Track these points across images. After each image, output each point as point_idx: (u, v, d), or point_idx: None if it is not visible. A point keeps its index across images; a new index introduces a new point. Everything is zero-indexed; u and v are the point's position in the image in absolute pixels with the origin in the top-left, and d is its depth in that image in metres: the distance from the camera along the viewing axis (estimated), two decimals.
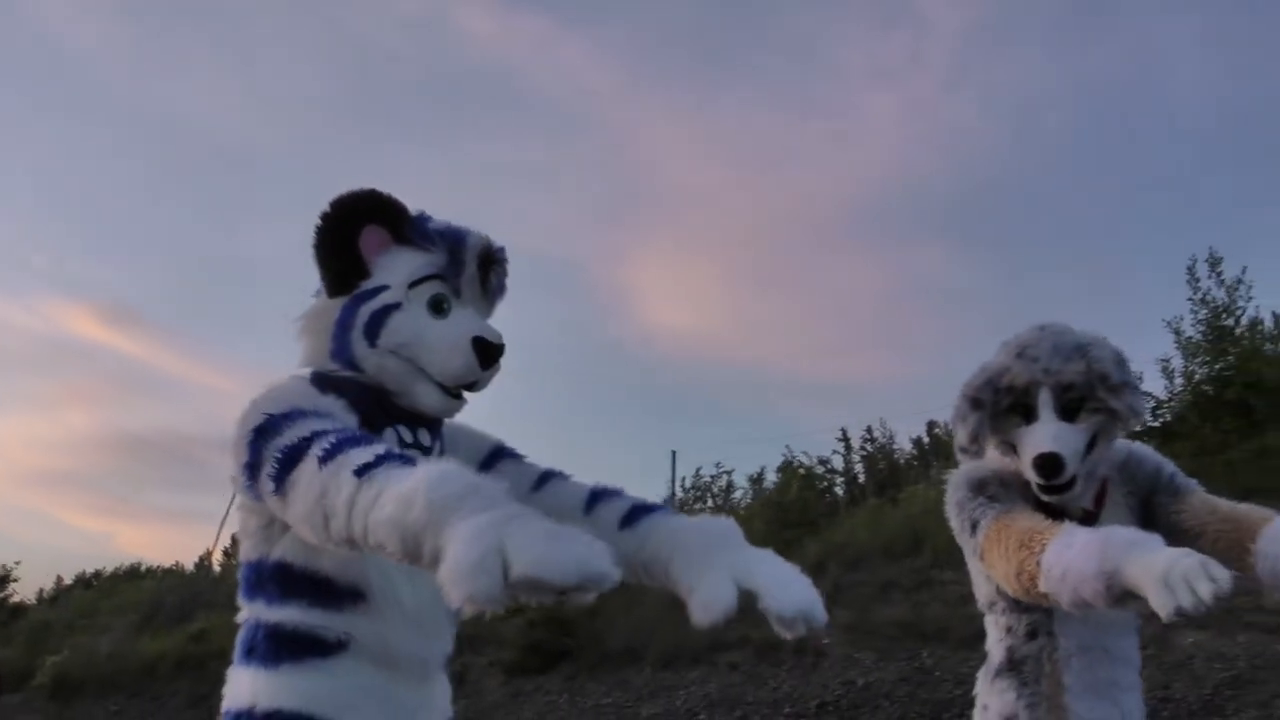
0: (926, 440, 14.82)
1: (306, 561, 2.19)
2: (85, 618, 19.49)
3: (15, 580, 24.86)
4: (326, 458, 1.81)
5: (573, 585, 1.41)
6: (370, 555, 1.93)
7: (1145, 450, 3.05)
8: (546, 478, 2.49)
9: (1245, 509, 2.80)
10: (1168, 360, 12.45)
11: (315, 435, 1.91)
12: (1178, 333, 12.42)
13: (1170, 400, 12.17)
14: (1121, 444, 3.01)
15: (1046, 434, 2.72)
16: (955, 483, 3.00)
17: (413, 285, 2.29)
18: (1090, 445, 2.76)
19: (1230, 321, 12.16)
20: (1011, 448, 2.85)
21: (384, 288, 2.28)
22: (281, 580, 2.22)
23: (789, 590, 2.00)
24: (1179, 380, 12.23)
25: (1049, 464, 2.69)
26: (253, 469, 1.98)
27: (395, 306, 2.27)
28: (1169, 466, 2.98)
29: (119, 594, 23.58)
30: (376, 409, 2.23)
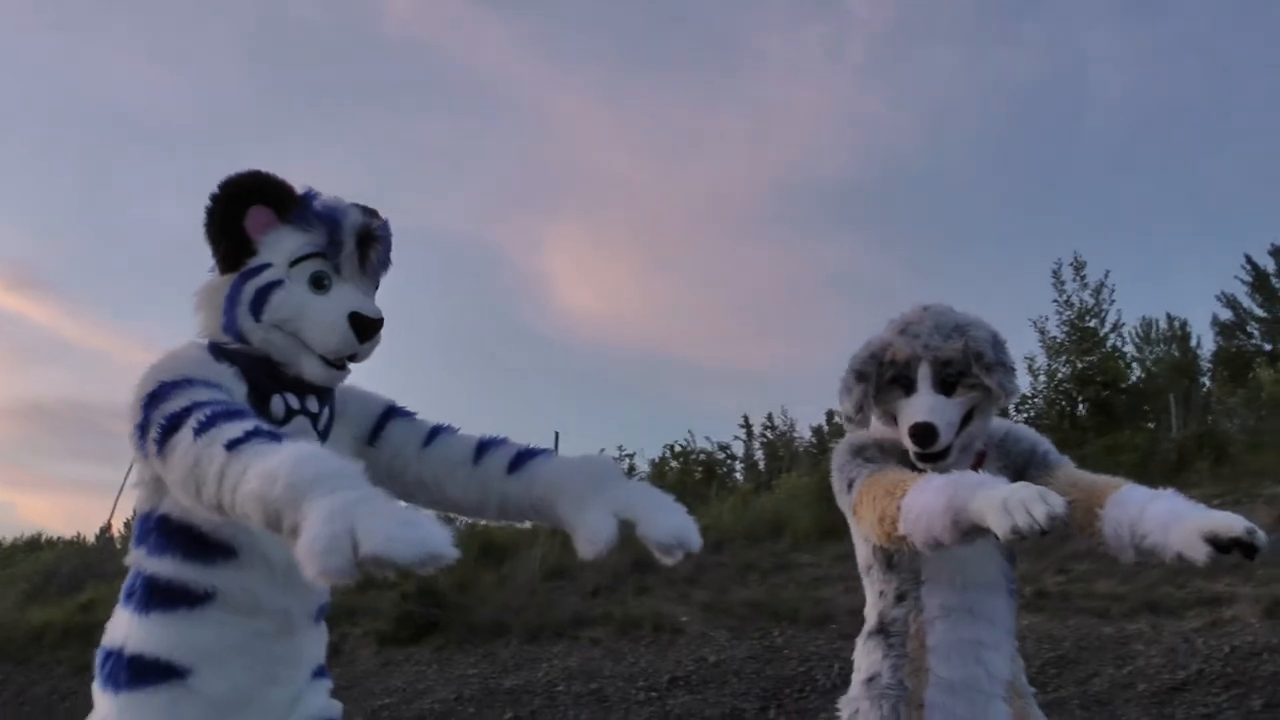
0: (826, 428, 15.07)
1: (184, 516, 2.26)
2: None
3: None
4: (201, 430, 1.90)
5: (415, 564, 1.50)
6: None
7: (1023, 429, 3.16)
8: (436, 432, 2.59)
9: (1102, 479, 2.89)
10: (1033, 359, 12.83)
11: (195, 406, 1.99)
12: (1042, 332, 12.79)
13: (1034, 396, 12.53)
14: (1001, 423, 3.15)
15: (923, 405, 2.83)
16: (838, 449, 3.10)
17: (294, 263, 2.36)
18: (966, 419, 2.87)
19: (1094, 323, 12.55)
20: (893, 418, 2.94)
21: (268, 265, 2.35)
22: (162, 533, 2.30)
23: (664, 517, 2.17)
24: (1042, 378, 12.59)
25: (923, 433, 2.79)
26: (143, 430, 2.08)
27: (278, 284, 2.34)
28: (1044, 445, 3.08)
29: (15, 564, 23.11)
30: (266, 377, 2.31)
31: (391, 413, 2.65)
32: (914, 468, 2.91)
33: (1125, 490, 2.73)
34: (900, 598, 2.97)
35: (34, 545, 27.98)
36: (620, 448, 16.93)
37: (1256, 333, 21.82)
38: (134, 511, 2.43)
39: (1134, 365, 12.34)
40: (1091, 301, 12.78)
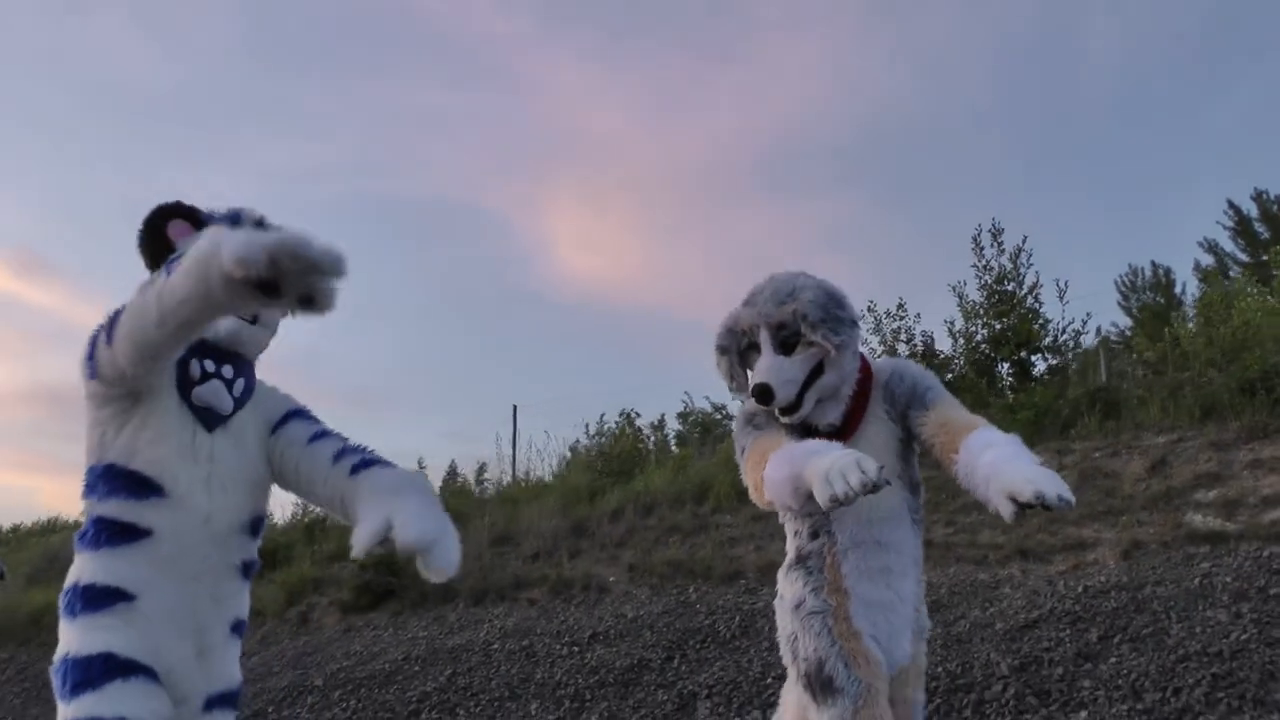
0: None
1: (127, 462, 2.67)
2: None
3: None
4: (139, 293, 2.38)
5: (304, 251, 1.85)
6: (169, 452, 2.64)
7: (908, 367, 3.28)
8: (319, 435, 2.95)
9: (964, 422, 3.02)
10: (952, 321, 13.15)
11: (124, 308, 2.46)
12: (961, 296, 13.09)
13: (954, 358, 12.85)
14: (889, 362, 3.31)
15: (761, 368, 3.04)
16: (736, 417, 3.34)
17: None
18: (818, 372, 3.05)
19: (1012, 286, 12.88)
20: None
21: (184, 254, 2.73)
22: (108, 479, 2.69)
23: (413, 528, 2.44)
24: (960, 341, 12.90)
25: (759, 392, 2.99)
26: (91, 352, 2.57)
27: None
28: (925, 383, 3.20)
29: (28, 548, 23.48)
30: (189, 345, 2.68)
31: (297, 413, 3.03)
32: (795, 430, 3.14)
33: (973, 436, 2.89)
34: (814, 534, 3.21)
35: (48, 529, 28.35)
36: (623, 411, 16.96)
37: (1239, 278, 21.94)
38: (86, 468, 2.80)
39: (1048, 326, 12.53)
40: (1010, 266, 13.07)
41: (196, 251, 2.07)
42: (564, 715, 7.23)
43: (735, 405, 15.81)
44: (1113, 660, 6.09)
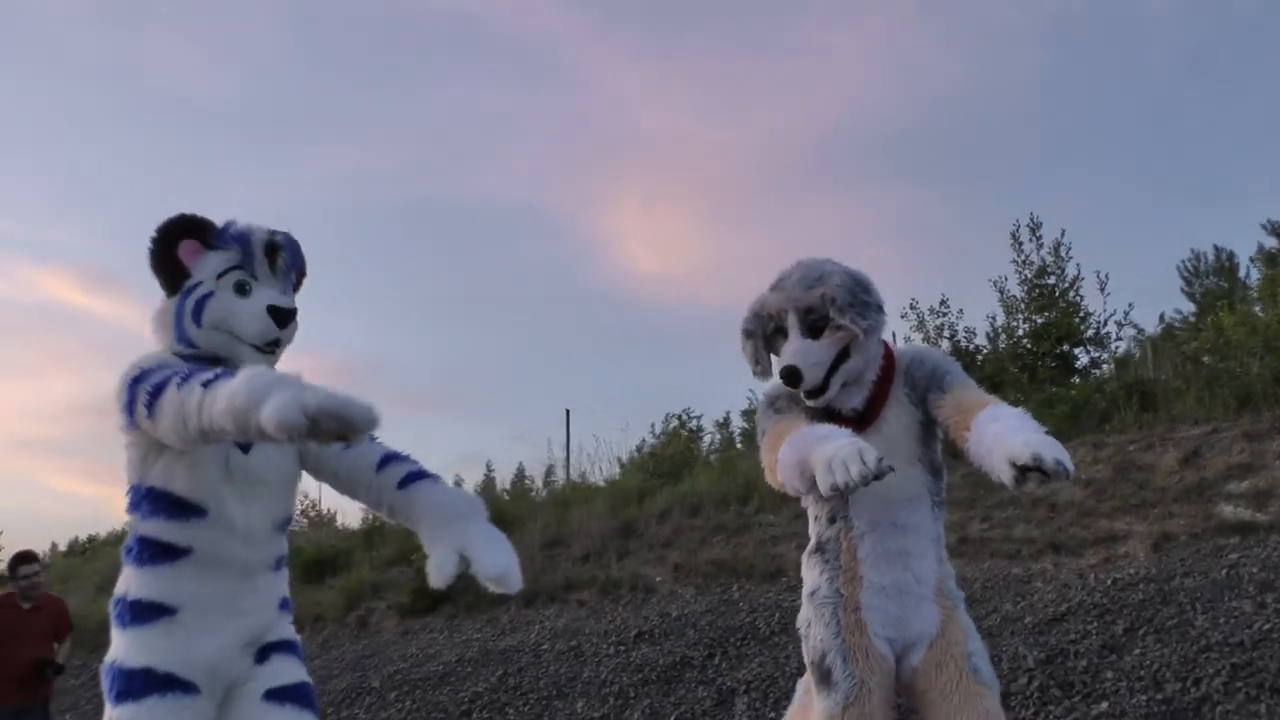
0: None
1: (167, 486, 2.81)
2: (61, 582, 19.53)
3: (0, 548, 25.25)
4: (182, 382, 2.48)
5: (344, 413, 2.02)
6: (206, 478, 2.76)
7: (929, 353, 3.32)
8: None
9: (977, 401, 3.02)
10: (994, 317, 13.16)
11: (174, 373, 2.56)
12: (1001, 291, 13.11)
13: (996, 353, 12.85)
14: (911, 348, 3.33)
15: (789, 350, 3.06)
16: (760, 402, 3.38)
17: (220, 276, 2.88)
18: (844, 356, 3.06)
19: (1052, 280, 12.87)
20: None
21: (200, 283, 2.88)
22: (151, 500, 2.84)
23: (491, 559, 2.68)
24: (1002, 336, 12.90)
25: (787, 374, 3.02)
26: (130, 405, 2.67)
27: (210, 294, 2.87)
28: (945, 367, 3.21)
29: (101, 558, 24.03)
30: None
31: None
32: (818, 414, 3.16)
33: (983, 413, 2.89)
34: (832, 519, 3.26)
35: (120, 539, 28.94)
36: (687, 410, 16.82)
37: None
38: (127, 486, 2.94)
39: (1089, 319, 12.51)
40: (1050, 259, 13.07)
41: (235, 399, 2.20)
42: (608, 713, 7.46)
43: None
44: (1137, 652, 6.21)
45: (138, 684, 2.79)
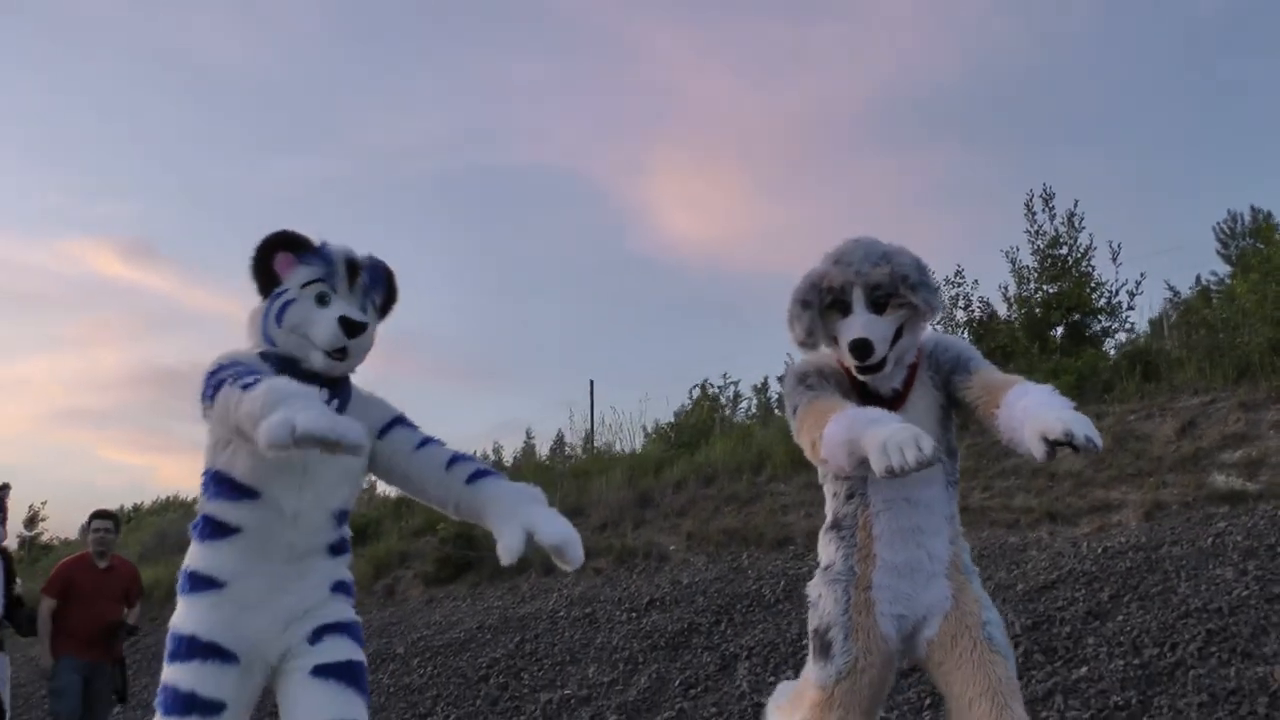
0: None
1: (229, 470, 3.16)
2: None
3: (44, 519, 25.93)
4: (233, 381, 2.85)
5: (328, 438, 2.41)
6: (263, 464, 3.06)
7: (951, 339, 3.41)
8: (426, 441, 3.38)
9: (1004, 381, 3.11)
10: (1005, 287, 13.25)
11: (235, 372, 2.93)
12: (1013, 262, 13.19)
13: (1008, 321, 12.96)
14: (932, 335, 3.39)
15: (859, 323, 3.11)
16: (787, 377, 3.40)
17: (304, 286, 3.23)
18: (898, 334, 3.14)
19: (1064, 251, 12.97)
20: (834, 339, 3.22)
21: (286, 290, 3.23)
22: (215, 483, 3.20)
23: (552, 530, 2.94)
24: (1014, 305, 12.99)
25: (860, 347, 3.08)
26: (203, 396, 3.00)
27: (293, 301, 3.21)
28: (969, 352, 3.31)
29: (145, 527, 24.45)
30: (288, 374, 3.02)
31: (399, 420, 3.45)
32: (853, 382, 3.26)
33: (1012, 391, 2.97)
34: (850, 495, 3.33)
35: (166, 507, 29.45)
36: (724, 375, 16.93)
37: None
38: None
39: (1102, 288, 12.59)
40: (1064, 229, 13.14)
41: (252, 407, 2.63)
42: (617, 677, 7.77)
43: None
44: (1120, 618, 6.42)
45: (183, 649, 3.14)
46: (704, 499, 11.16)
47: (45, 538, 25.71)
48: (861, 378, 3.21)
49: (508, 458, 19.40)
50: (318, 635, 3.29)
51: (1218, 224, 30.48)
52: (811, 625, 3.37)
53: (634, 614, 8.95)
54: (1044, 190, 13.28)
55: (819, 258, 3.32)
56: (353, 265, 3.30)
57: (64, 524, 32.35)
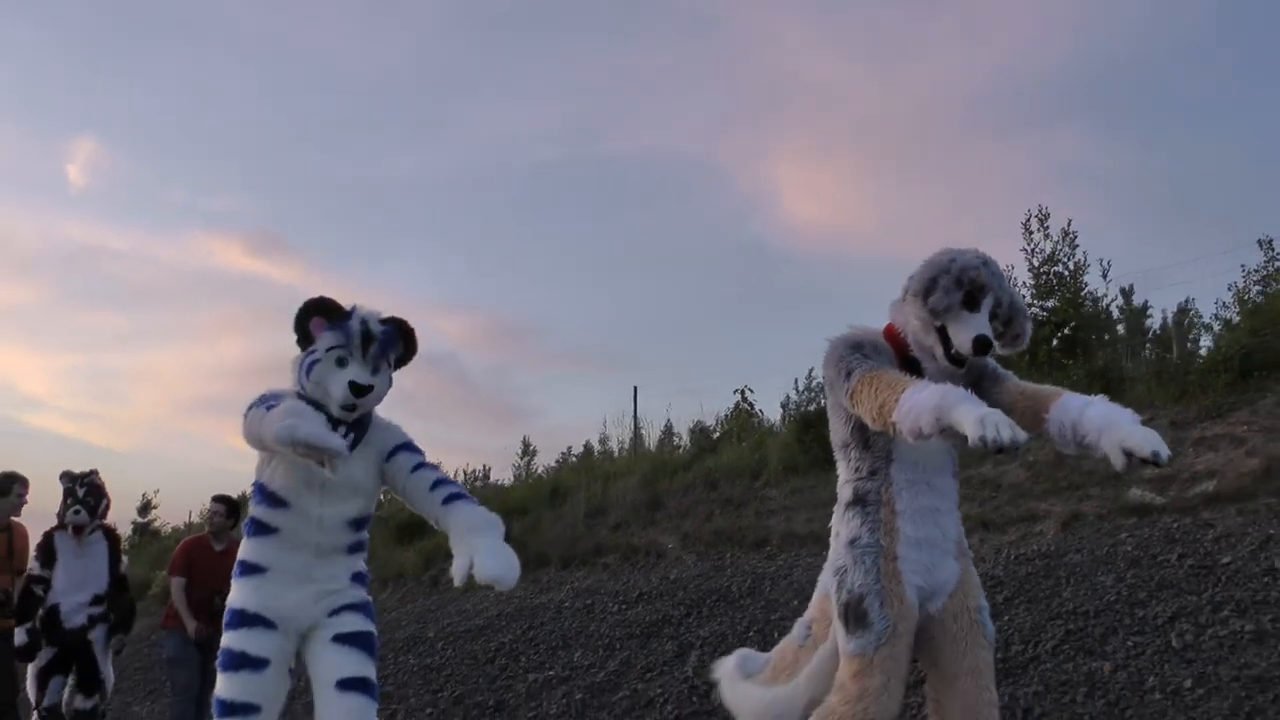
0: None
1: (268, 481, 3.89)
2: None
3: (155, 507, 27.13)
4: (260, 404, 3.61)
5: (317, 448, 3.24)
6: (293, 481, 3.80)
7: None
8: (419, 466, 3.97)
9: (1044, 388, 3.40)
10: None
11: (270, 399, 3.65)
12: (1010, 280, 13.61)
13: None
14: None
15: (980, 322, 3.33)
16: (835, 343, 3.56)
17: (328, 350, 3.83)
18: None
19: (1060, 269, 13.50)
20: (942, 322, 3.40)
21: (314, 350, 3.85)
22: (260, 493, 3.92)
23: (487, 567, 3.41)
24: None
25: (981, 342, 3.29)
26: (244, 416, 3.70)
27: (318, 361, 3.83)
28: (993, 362, 3.59)
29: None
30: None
31: (404, 446, 4.05)
32: (903, 363, 3.47)
33: (1066, 397, 3.24)
34: (873, 473, 3.51)
35: None
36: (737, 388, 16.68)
37: None
38: None
39: (1090, 303, 13.07)
40: (1061, 247, 13.60)
41: (270, 423, 3.40)
42: (595, 661, 8.77)
43: None
44: (1005, 618, 7.12)
45: (235, 619, 4.00)
46: (706, 501, 11.95)
47: (157, 524, 26.92)
48: (949, 366, 3.44)
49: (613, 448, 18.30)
50: (338, 612, 4.01)
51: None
52: (840, 600, 3.49)
53: (624, 605, 9.84)
54: (1039, 210, 13.86)
55: (938, 247, 3.56)
56: (367, 336, 3.87)
57: (178, 510, 33.68)
